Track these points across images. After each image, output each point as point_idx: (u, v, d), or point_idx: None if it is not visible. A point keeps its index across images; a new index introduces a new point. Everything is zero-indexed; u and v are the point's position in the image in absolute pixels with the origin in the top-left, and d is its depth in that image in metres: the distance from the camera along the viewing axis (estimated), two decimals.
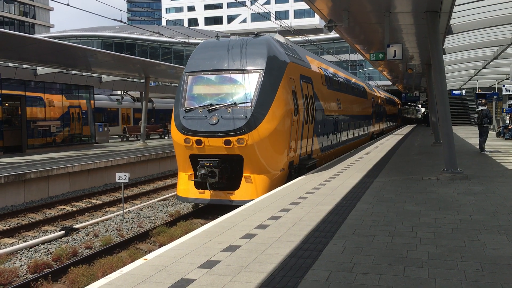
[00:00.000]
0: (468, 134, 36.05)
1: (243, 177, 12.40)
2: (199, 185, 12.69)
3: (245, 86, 12.73)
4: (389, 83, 55.77)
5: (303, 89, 14.71)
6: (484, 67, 31.16)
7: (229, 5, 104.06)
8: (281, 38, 15.26)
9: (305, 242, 6.82)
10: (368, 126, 31.03)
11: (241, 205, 9.72)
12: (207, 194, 12.64)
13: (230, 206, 12.18)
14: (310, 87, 15.64)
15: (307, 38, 53.92)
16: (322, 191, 11.08)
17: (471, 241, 6.80)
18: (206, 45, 13.91)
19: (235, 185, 12.55)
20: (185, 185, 12.96)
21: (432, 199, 10.13)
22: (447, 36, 18.77)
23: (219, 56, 13.27)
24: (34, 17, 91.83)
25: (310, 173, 14.39)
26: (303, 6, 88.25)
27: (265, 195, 10.72)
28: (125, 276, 5.44)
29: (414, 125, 67.62)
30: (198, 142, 12.38)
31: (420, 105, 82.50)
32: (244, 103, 12.50)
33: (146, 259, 6.06)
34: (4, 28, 65.06)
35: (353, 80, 27.21)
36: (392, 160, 18.16)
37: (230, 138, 12.11)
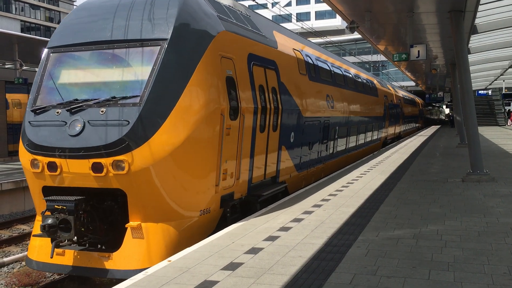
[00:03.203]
0: (494, 135, 35.32)
1: (128, 229, 7.31)
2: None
3: (134, 69, 7.60)
4: (413, 83, 55.12)
5: (256, 78, 9.53)
6: (510, 67, 30.52)
7: (250, 7, 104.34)
8: None
9: (328, 244, 6.79)
10: (379, 130, 25.26)
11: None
12: (68, 257, 7.53)
13: None
14: (272, 75, 10.48)
15: (328, 40, 53.72)
16: (344, 193, 11.00)
17: (498, 244, 6.67)
18: (85, 6, 8.56)
19: (116, 242, 7.57)
20: (39, 240, 7.68)
21: (458, 201, 9.96)
22: (472, 36, 18.46)
23: (101, 22, 8.04)
24: (59, 23, 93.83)
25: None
26: (325, 7, 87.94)
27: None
28: (150, 277, 5.50)
29: (438, 126, 66.57)
30: (51, 167, 7.37)
31: (444, 106, 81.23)
32: (129, 97, 7.38)
33: (170, 261, 6.12)
34: (30, 34, 66.66)
35: (357, 72, 21.46)
36: (416, 161, 17.92)
37: (101, 160, 7.11)
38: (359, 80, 20.71)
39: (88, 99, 7.54)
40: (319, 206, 9.58)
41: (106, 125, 7.22)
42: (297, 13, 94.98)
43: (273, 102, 10.34)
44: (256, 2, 22.14)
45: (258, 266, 5.82)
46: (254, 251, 6.50)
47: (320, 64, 14.79)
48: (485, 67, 31.75)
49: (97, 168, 7.16)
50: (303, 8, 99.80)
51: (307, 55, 13.63)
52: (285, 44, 12.18)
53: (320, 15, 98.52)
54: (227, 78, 8.44)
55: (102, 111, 7.32)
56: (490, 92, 48.97)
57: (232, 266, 5.83)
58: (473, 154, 13.12)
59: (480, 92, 47.62)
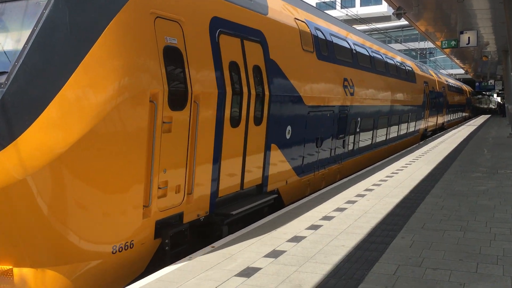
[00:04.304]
0: None
1: None
2: None
3: (9, 33, 5.31)
4: (462, 71, 53.26)
5: (226, 52, 7.14)
6: None
7: None
8: None
9: (372, 234, 6.72)
10: (417, 121, 22.15)
11: None
12: None
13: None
14: (256, 50, 8.00)
15: (374, 27, 52.58)
16: (389, 183, 10.82)
17: None
18: None
19: None
20: None
21: (508, 193, 9.61)
22: None
23: None
24: None
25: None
26: None
27: None
28: (194, 262, 5.62)
29: (488, 115, 64.10)
30: None
31: (495, 95, 78.15)
32: None
33: (213, 247, 6.23)
34: None
35: (390, 54, 18.20)
36: (465, 152, 17.37)
37: None
38: (392, 62, 17.52)
39: None
40: (362, 196, 9.47)
41: None
42: (341, 0, 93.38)
43: (255, 86, 7.75)
44: None
45: (301, 255, 5.84)
46: (296, 239, 6.51)
47: (335, 40, 11.86)
48: None
49: None
50: None
51: (316, 28, 10.83)
52: (281, 11, 9.33)
53: (365, 2, 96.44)
54: (167, 49, 5.90)
55: None
56: None
57: (275, 254, 5.88)
58: None
59: None
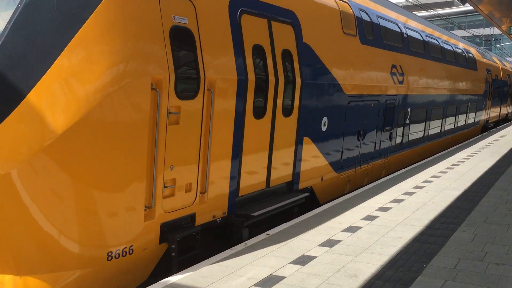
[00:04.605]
0: None
1: None
2: None
3: None
4: None
5: (248, 34, 6.45)
6: None
7: None
8: None
9: (430, 227, 6.54)
10: (478, 112, 20.61)
11: None
12: None
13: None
14: (287, 32, 7.27)
15: (436, 13, 50.58)
16: (449, 176, 10.46)
17: None
18: None
19: None
20: None
21: None
22: None
23: None
24: None
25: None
26: None
27: None
28: (249, 248, 5.70)
29: None
30: None
31: None
32: None
33: (268, 234, 6.29)
34: None
35: (446, 38, 16.87)
36: None
37: None
38: (449, 48, 16.17)
39: None
40: (420, 187, 9.22)
41: None
42: None
43: (284, 73, 7.03)
44: None
45: (356, 245, 5.78)
46: (351, 229, 6.45)
47: (383, 23, 10.94)
48: None
49: None
50: None
51: (360, 9, 9.96)
52: None
53: None
54: (176, 30, 5.24)
55: None
56: None
57: (330, 243, 5.85)
58: None
59: None
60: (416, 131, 13.22)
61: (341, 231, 6.38)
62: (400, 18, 12.60)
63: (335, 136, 8.81)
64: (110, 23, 4.62)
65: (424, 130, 13.92)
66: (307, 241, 5.95)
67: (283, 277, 4.76)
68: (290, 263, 5.17)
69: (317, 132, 8.16)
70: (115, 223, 4.77)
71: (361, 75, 9.41)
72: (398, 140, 11.98)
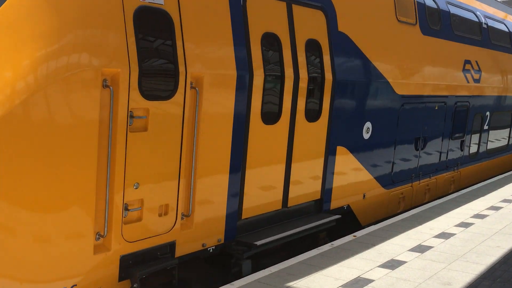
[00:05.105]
0: None
1: None
2: None
3: None
4: None
5: (256, 20, 5.25)
6: None
7: None
8: None
9: None
10: None
11: None
12: None
13: None
14: (315, 19, 6.02)
15: None
16: None
17: None
18: None
19: None
20: None
21: None
22: None
23: None
24: None
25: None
26: None
27: None
28: (335, 249, 5.66)
29: None
30: None
31: None
32: None
33: (355, 236, 6.20)
34: None
35: None
36: None
37: None
38: None
39: None
40: None
41: None
42: None
43: (307, 68, 5.81)
44: None
45: (449, 252, 5.53)
46: (444, 235, 6.18)
47: (454, 10, 9.23)
48: None
49: None
50: None
51: None
52: None
53: None
54: (144, 11, 4.18)
55: None
56: None
57: (420, 249, 5.65)
58: None
59: None
60: (498, 138, 11.36)
61: (433, 237, 6.14)
62: (479, 6, 10.67)
63: (383, 145, 7.40)
64: (38, 2, 3.63)
65: (510, 137, 12.04)
66: (396, 245, 5.79)
67: (371, 280, 4.68)
68: (378, 266, 5.06)
69: (357, 140, 6.82)
70: (50, 255, 3.72)
71: (420, 72, 7.97)
72: (473, 149, 10.22)
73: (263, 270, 4.96)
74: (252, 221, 5.46)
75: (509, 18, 12.28)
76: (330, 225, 6.24)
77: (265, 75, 5.20)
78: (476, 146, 10.30)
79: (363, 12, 6.82)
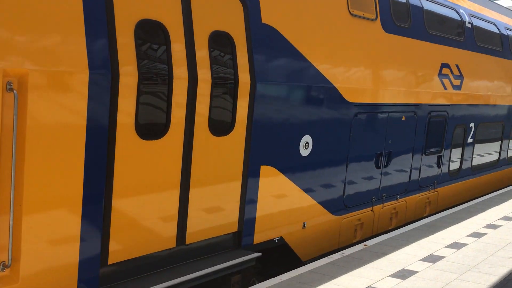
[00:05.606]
0: None
1: None
2: None
3: None
4: None
5: (124, 6, 4.03)
6: None
7: None
8: None
9: None
10: None
11: None
12: None
13: None
14: (225, 7, 4.85)
15: None
16: None
17: None
18: None
19: None
20: None
21: None
22: None
23: None
24: None
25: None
26: None
27: None
28: (346, 258, 5.64)
29: None
30: None
31: None
32: None
33: (366, 245, 6.17)
34: None
35: None
36: None
37: None
38: None
39: None
40: None
41: None
42: None
43: (212, 67, 4.67)
44: None
45: (461, 262, 5.48)
46: (456, 246, 6.13)
47: (428, 5, 8.05)
48: None
49: None
50: None
51: None
52: None
53: None
54: None
55: None
56: None
57: (432, 258, 5.61)
58: None
59: None
60: (485, 152, 10.07)
61: (445, 247, 6.09)
62: (463, 3, 9.31)
63: (330, 162, 6.19)
64: None
65: (500, 151, 10.68)
66: (408, 254, 5.76)
67: None
68: (389, 276, 5.04)
69: (291, 158, 5.61)
70: None
71: (381, 76, 6.81)
72: (454, 166, 8.96)
73: (273, 278, 4.96)
74: (129, 266, 4.20)
75: (501, 18, 10.88)
76: (243, 266, 4.90)
77: (140, 75, 4.07)
78: (458, 162, 9.07)
79: (301, 2, 5.59)
